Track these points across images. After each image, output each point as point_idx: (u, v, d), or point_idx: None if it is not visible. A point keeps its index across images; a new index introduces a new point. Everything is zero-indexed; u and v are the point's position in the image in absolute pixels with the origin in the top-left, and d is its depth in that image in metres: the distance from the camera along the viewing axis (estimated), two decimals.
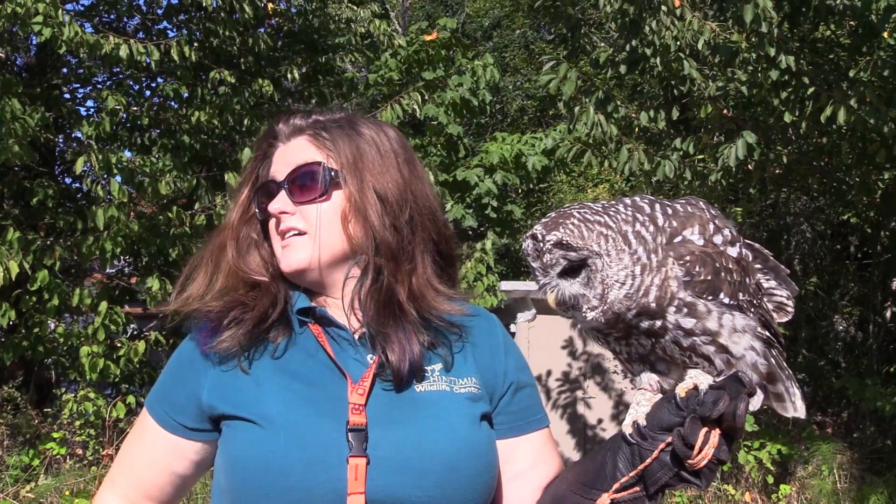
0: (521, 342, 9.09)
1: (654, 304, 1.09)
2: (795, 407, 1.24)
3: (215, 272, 1.40)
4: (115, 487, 1.42)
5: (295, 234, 1.35)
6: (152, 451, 1.38)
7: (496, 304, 7.98)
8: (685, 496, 7.08)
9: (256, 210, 1.41)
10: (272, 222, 1.39)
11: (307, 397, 1.28)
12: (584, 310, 1.12)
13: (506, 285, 8.80)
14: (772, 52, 5.32)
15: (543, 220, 1.13)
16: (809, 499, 7.21)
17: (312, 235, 1.34)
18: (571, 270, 1.11)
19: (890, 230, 8.99)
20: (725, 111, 6.17)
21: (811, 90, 5.55)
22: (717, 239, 1.13)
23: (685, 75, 5.71)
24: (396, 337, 1.31)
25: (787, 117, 5.75)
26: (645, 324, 1.11)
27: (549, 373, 9.22)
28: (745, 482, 7.26)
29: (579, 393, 9.27)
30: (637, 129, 6.59)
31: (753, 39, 5.51)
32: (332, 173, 1.35)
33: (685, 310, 1.09)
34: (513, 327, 9.27)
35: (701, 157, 6.28)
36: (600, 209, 1.12)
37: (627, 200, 1.16)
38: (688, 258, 1.09)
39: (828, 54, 6.92)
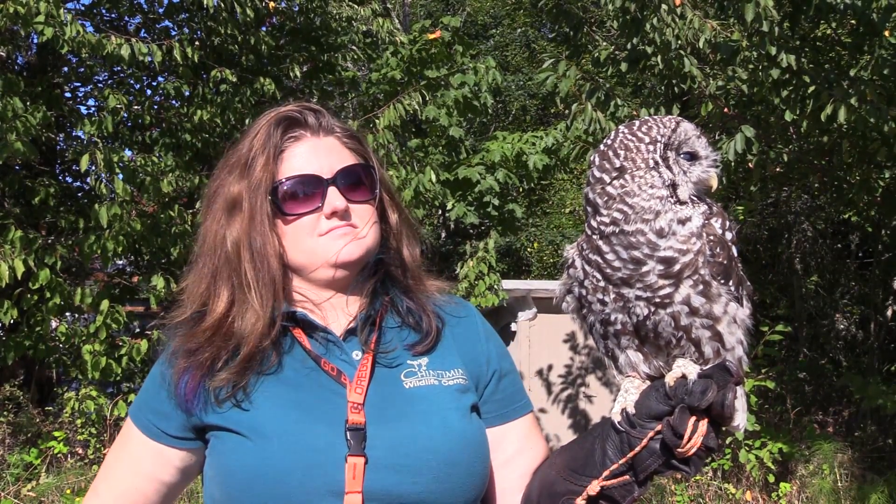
0: (522, 341, 9.09)
1: (683, 262, 1.14)
2: (740, 423, 1.20)
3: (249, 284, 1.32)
4: (98, 498, 1.40)
5: (348, 227, 1.35)
6: (136, 460, 1.37)
7: (497, 303, 7.98)
8: (686, 494, 7.08)
9: (299, 204, 1.34)
10: (305, 219, 1.34)
11: (298, 402, 1.28)
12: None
13: (507, 284, 8.80)
14: (772, 50, 5.32)
15: (677, 116, 1.26)
16: (810, 497, 7.20)
17: (360, 231, 1.35)
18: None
19: (891, 229, 8.97)
20: (726, 109, 6.16)
21: (812, 89, 5.53)
22: (728, 235, 1.21)
23: (686, 73, 5.71)
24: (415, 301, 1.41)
25: (788, 116, 5.74)
26: (660, 282, 1.13)
27: (550, 367, 9.22)
28: (745, 481, 7.25)
29: (582, 389, 9.27)
30: None
31: (754, 38, 5.51)
32: (377, 177, 1.40)
33: (700, 286, 1.14)
34: (514, 326, 9.27)
35: None
36: None
37: None
38: (712, 237, 1.18)
39: (828, 53, 6.92)
